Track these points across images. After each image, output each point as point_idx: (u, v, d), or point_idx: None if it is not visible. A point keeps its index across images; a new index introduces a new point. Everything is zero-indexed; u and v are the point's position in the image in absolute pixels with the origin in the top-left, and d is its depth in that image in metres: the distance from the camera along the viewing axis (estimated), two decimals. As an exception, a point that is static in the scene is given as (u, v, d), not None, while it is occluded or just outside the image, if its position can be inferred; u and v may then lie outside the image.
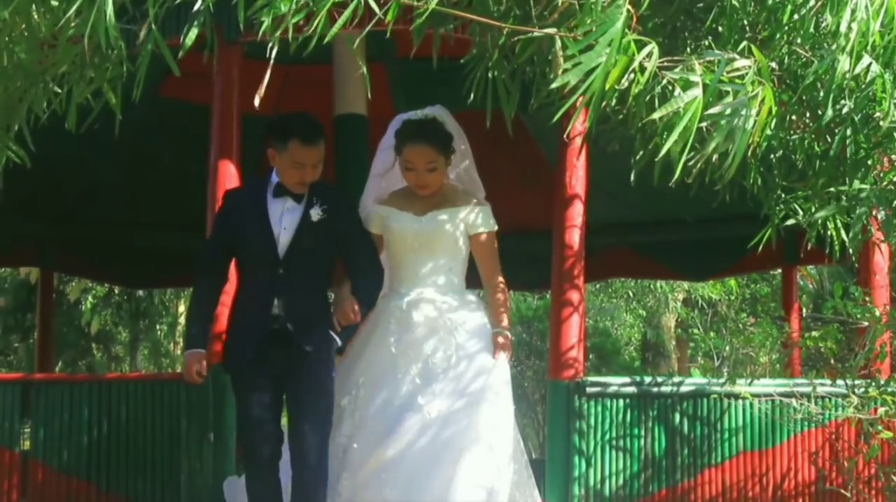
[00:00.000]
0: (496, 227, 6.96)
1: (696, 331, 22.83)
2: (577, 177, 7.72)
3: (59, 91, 5.84)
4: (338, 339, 6.63)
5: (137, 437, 7.64)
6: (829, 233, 6.28)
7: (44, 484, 7.64)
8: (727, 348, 21.66)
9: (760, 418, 7.79)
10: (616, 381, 7.80)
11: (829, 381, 7.35)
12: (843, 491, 7.55)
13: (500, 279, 6.99)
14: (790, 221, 6.35)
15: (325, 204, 6.62)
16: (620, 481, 7.69)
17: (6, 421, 7.69)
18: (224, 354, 6.78)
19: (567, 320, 7.68)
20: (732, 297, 22.53)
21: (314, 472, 6.49)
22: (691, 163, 4.76)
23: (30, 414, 7.72)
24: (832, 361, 7.15)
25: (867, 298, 7.02)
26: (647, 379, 7.84)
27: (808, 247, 6.43)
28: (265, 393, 6.54)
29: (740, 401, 7.75)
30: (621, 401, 7.73)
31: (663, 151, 4.61)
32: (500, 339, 6.81)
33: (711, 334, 23.03)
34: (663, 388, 7.80)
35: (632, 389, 7.74)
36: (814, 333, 7.21)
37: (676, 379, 8.03)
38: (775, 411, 7.71)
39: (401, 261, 6.95)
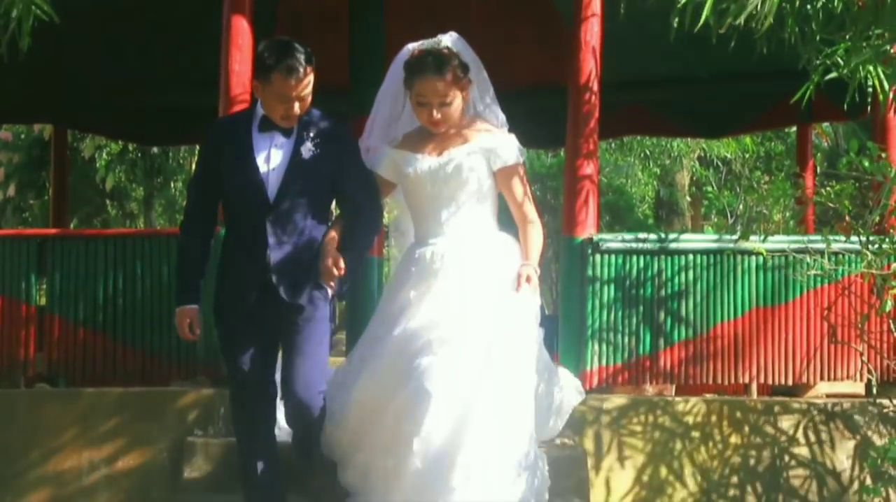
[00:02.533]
0: (523, 158, 6.46)
1: (710, 188, 22.83)
2: (591, 33, 7.64)
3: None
4: (332, 291, 6.16)
5: (153, 292, 7.68)
6: (870, 84, 6.20)
7: (60, 338, 7.71)
8: (741, 206, 21.67)
9: (773, 274, 7.81)
10: (629, 238, 7.80)
11: (842, 237, 7.35)
12: (854, 345, 7.58)
13: (533, 215, 6.42)
14: (831, 75, 6.26)
15: (318, 136, 6.09)
16: (633, 337, 7.73)
17: (22, 277, 7.74)
18: (213, 311, 6.28)
19: (581, 177, 7.66)
20: (747, 155, 22.46)
21: (310, 429, 6.25)
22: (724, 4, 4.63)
23: (45, 270, 7.76)
24: (846, 217, 7.13)
25: (882, 154, 6.98)
26: (661, 237, 7.84)
27: (846, 101, 6.33)
28: (258, 354, 6.15)
29: (753, 258, 7.75)
30: (634, 258, 7.74)
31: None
32: (522, 270, 6.16)
33: (725, 192, 23.02)
34: (677, 245, 7.80)
35: (645, 246, 7.74)
36: (828, 189, 7.19)
37: (690, 235, 8.02)
38: (788, 267, 7.72)
39: (422, 210, 6.40)
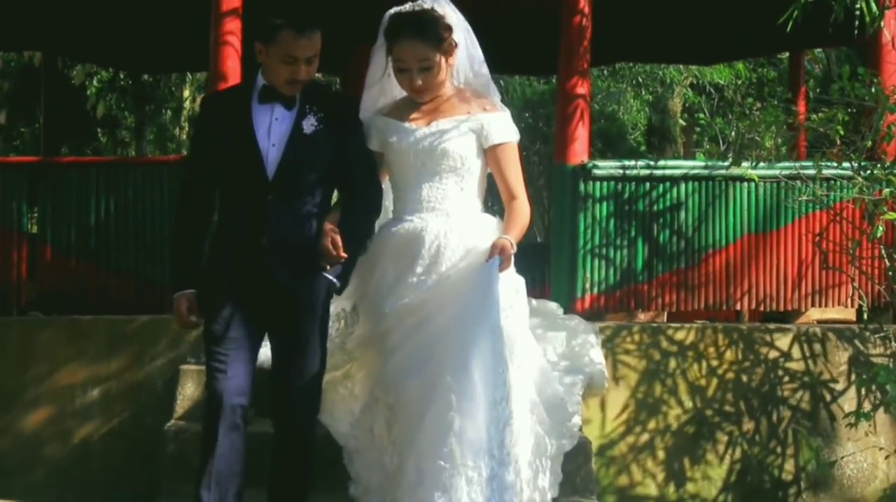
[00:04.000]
0: (517, 137, 5.87)
1: (702, 115, 22.76)
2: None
3: None
4: (334, 280, 5.62)
5: (145, 220, 7.68)
6: (858, 7, 6.18)
7: (51, 265, 7.73)
8: (733, 133, 21.62)
9: (765, 200, 7.82)
10: (621, 165, 7.79)
11: (834, 163, 7.34)
12: (845, 271, 7.60)
13: (522, 193, 5.83)
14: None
15: (322, 111, 5.59)
16: (625, 264, 7.74)
17: (14, 205, 7.73)
18: (199, 297, 5.64)
19: (573, 104, 7.65)
20: (740, 82, 22.41)
21: (302, 439, 5.67)
22: None
23: (37, 198, 7.75)
24: (838, 143, 7.12)
25: (875, 79, 6.97)
26: (653, 163, 7.83)
27: (831, 23, 6.28)
28: (245, 347, 5.58)
29: (745, 184, 7.76)
30: (626, 185, 7.74)
31: None
32: (498, 241, 5.57)
33: (717, 119, 22.98)
34: (669, 172, 7.80)
35: (637, 172, 7.74)
36: (820, 115, 7.17)
37: (681, 162, 8.02)
38: (780, 193, 7.73)
39: (403, 183, 5.86)
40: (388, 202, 6.00)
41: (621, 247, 7.75)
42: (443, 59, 5.71)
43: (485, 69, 5.98)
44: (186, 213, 5.72)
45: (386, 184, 5.97)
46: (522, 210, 5.80)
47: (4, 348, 7.48)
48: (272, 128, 5.55)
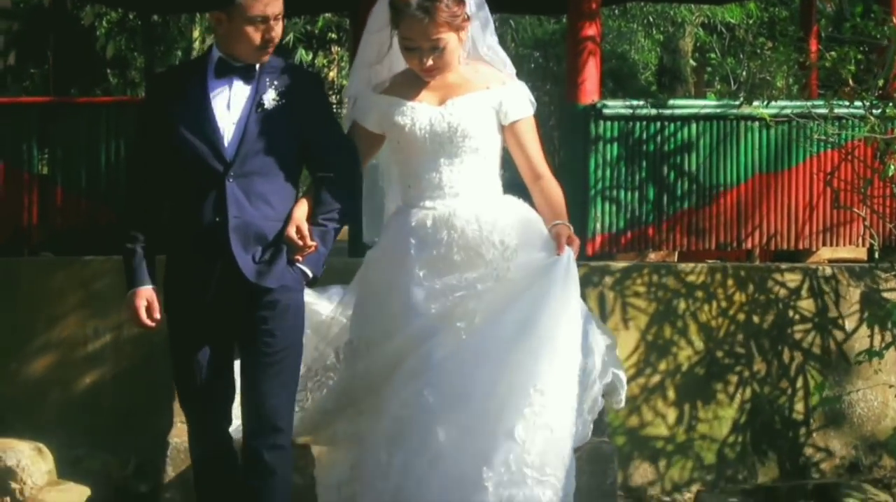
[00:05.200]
0: (533, 110, 5.46)
1: (713, 55, 22.68)
2: None
3: None
4: (307, 270, 5.13)
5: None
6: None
7: (62, 207, 7.72)
8: (744, 72, 21.55)
9: (776, 140, 7.80)
10: (632, 104, 7.77)
11: (846, 102, 7.31)
12: (856, 210, 7.59)
13: (546, 170, 5.46)
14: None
15: (283, 85, 5.09)
16: (636, 203, 7.74)
17: (24, 146, 7.72)
18: (166, 298, 5.22)
19: (583, 44, 7.62)
20: (751, 21, 22.30)
21: (275, 448, 5.10)
22: None
23: (47, 139, 7.74)
24: (850, 82, 7.09)
25: (888, 17, 6.93)
26: (664, 102, 7.81)
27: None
28: (213, 349, 5.14)
29: (756, 124, 7.74)
30: (637, 124, 7.72)
31: None
32: (562, 231, 5.24)
33: (729, 58, 22.89)
34: (679, 111, 7.78)
35: (648, 112, 7.72)
36: (832, 54, 7.14)
37: (693, 101, 8.00)
38: (791, 133, 7.71)
39: (416, 167, 5.40)
40: (384, 185, 5.66)
41: (632, 186, 7.75)
42: (455, 36, 5.25)
43: (495, 40, 5.52)
44: (134, 202, 5.19)
45: (386, 169, 5.62)
46: (555, 188, 5.45)
47: (15, 289, 7.48)
48: (231, 103, 5.06)
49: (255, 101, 5.05)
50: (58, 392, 7.39)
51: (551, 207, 5.38)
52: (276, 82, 5.09)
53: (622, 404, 5.91)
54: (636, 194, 7.74)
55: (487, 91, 5.37)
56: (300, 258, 5.06)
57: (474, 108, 5.34)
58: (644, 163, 7.75)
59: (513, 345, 5.11)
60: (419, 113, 5.32)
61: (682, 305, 7.50)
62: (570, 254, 5.14)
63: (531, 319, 5.11)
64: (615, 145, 7.70)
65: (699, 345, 7.50)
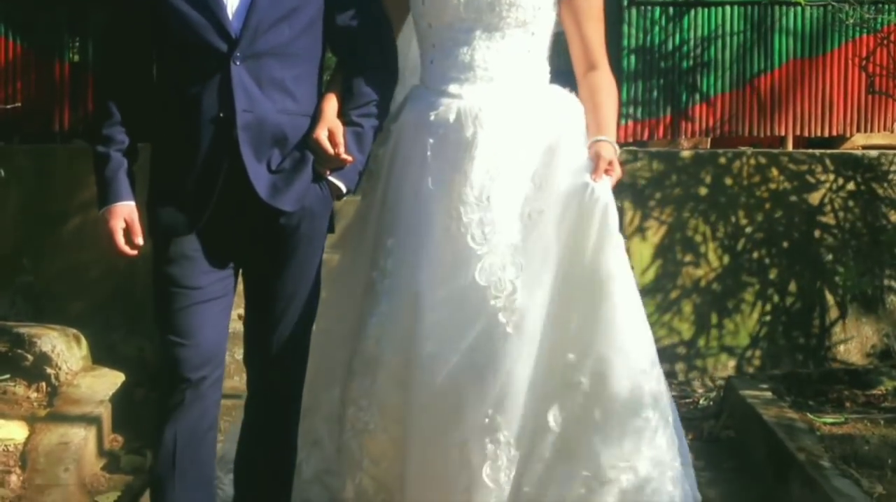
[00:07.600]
0: None
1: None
2: None
3: None
4: (340, 184, 4.05)
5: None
6: None
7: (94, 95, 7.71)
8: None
9: (812, 24, 7.71)
10: (664, -9, 7.72)
11: (883, -16, 7.24)
12: (892, 96, 7.52)
13: (606, 66, 4.41)
14: None
15: None
16: (668, 91, 7.71)
17: (55, 34, 7.68)
18: (148, 214, 4.13)
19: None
20: None
21: (285, 409, 4.24)
22: None
23: (78, 27, 7.71)
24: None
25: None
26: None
27: None
28: (209, 283, 4.09)
29: (791, 8, 7.65)
30: (670, 10, 7.67)
31: None
32: (603, 152, 4.14)
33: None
34: (712, -4, 7.73)
35: (681, -3, 7.68)
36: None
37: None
38: (827, 17, 7.62)
39: (443, 39, 4.34)
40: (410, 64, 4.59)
41: (665, 73, 7.69)
42: None
43: None
44: (106, 95, 4.09)
45: (408, 40, 4.56)
46: (608, 87, 4.39)
47: (49, 175, 7.50)
48: None
49: None
50: (92, 278, 7.43)
51: (597, 113, 4.31)
52: None
53: None
54: (668, 78, 7.68)
55: None
56: (329, 172, 4.05)
57: None
58: (677, 48, 7.68)
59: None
60: None
61: (728, 182, 7.50)
62: (605, 188, 4.07)
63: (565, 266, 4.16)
64: (648, 30, 7.63)
65: (736, 226, 7.51)
